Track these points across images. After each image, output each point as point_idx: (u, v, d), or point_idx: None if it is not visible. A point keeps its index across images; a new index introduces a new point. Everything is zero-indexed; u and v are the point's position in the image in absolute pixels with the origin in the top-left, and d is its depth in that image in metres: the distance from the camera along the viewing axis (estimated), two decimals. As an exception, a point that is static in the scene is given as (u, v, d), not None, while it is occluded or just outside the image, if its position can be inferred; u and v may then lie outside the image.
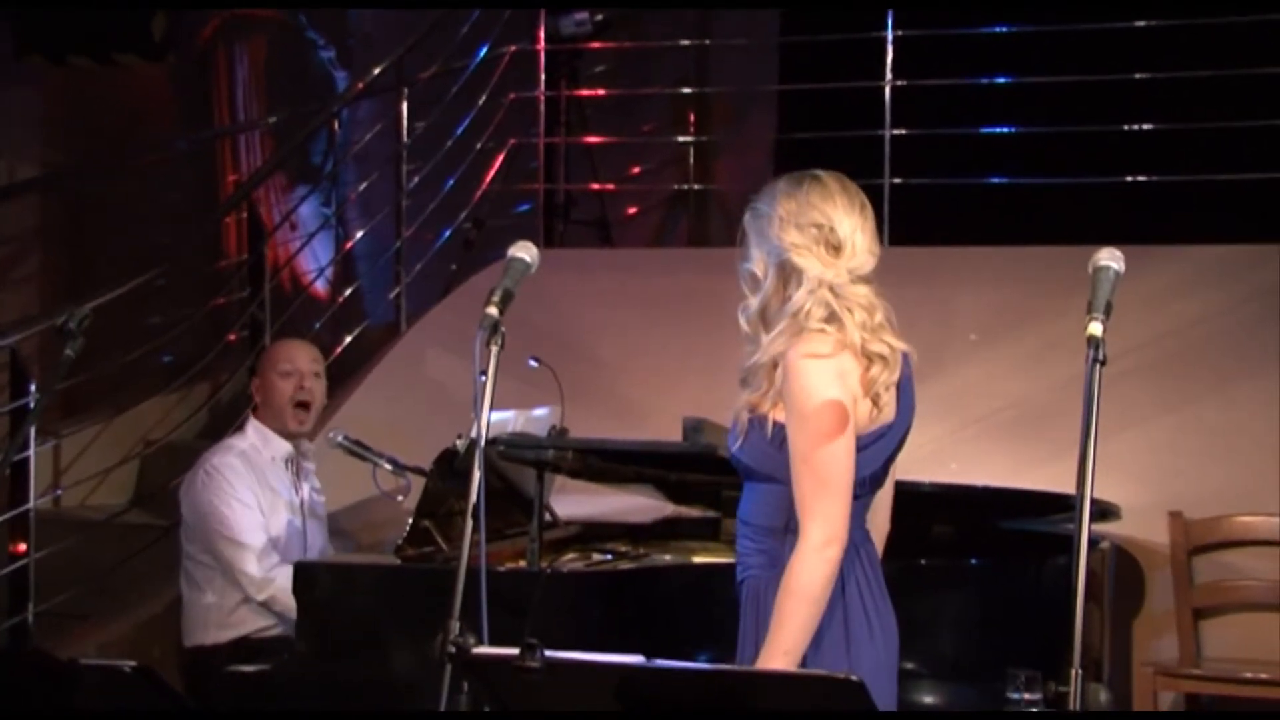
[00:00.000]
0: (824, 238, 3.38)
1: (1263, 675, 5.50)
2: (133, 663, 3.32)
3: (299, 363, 5.40)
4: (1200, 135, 6.50)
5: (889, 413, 3.40)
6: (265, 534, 5.17)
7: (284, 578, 5.07)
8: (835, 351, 3.32)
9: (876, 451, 3.40)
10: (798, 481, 3.31)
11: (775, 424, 3.36)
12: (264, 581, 5.11)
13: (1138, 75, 6.67)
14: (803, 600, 3.28)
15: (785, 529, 3.38)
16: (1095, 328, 3.01)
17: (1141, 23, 6.68)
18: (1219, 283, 6.16)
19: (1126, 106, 6.73)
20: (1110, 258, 3.14)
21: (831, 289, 3.35)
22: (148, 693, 3.29)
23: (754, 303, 3.46)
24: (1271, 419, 5.79)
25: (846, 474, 3.31)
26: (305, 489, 5.40)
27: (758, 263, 3.46)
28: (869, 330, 3.35)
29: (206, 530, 5.19)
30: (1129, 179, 6.58)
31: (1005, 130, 6.90)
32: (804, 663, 3.30)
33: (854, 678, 2.69)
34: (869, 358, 3.35)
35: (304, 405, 5.37)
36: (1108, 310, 3.04)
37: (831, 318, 3.34)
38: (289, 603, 5.05)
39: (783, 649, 3.26)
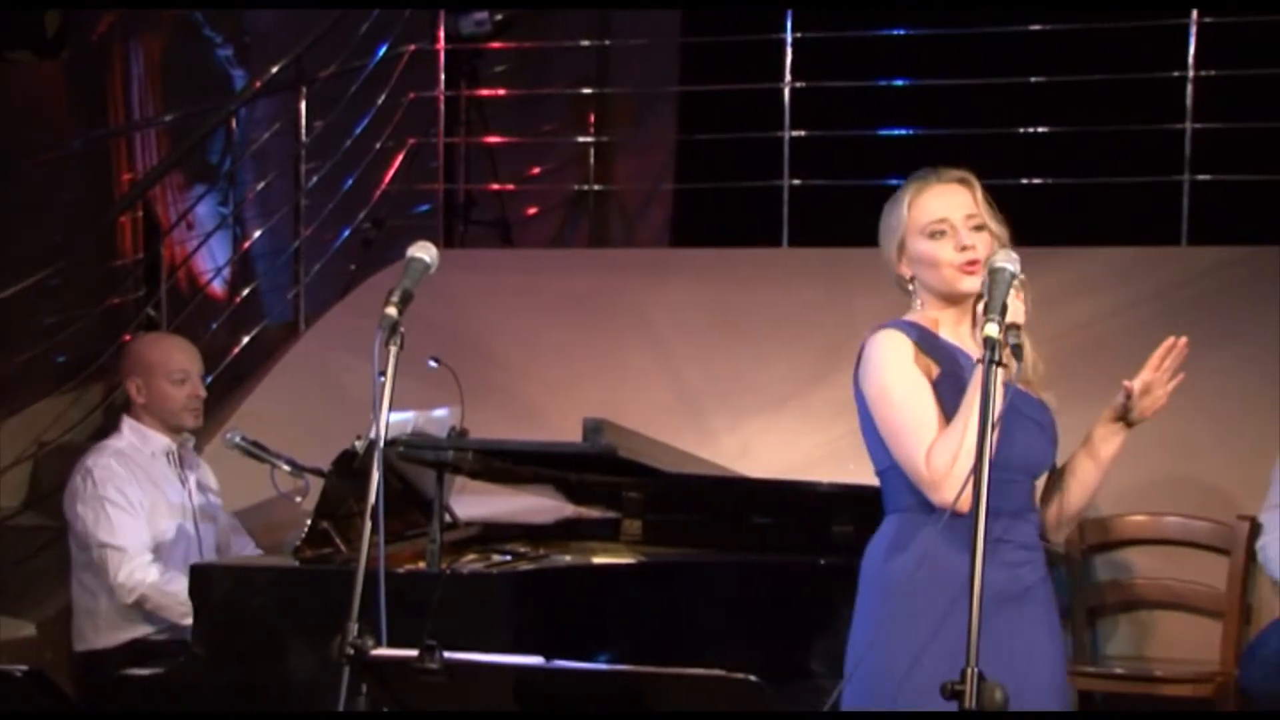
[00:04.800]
0: None
1: (1156, 672, 5.58)
2: (24, 667, 3.29)
3: (191, 368, 5.40)
4: (1096, 139, 6.58)
5: None
6: (139, 535, 5.12)
7: (153, 576, 5.05)
8: None
9: None
10: None
11: None
12: (131, 586, 5.06)
13: (1033, 79, 6.74)
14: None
15: None
16: (991, 329, 3.03)
17: (1036, 26, 6.76)
18: (1110, 286, 6.22)
19: (1023, 109, 6.79)
20: (1006, 259, 3.18)
21: None
22: (40, 697, 3.26)
23: None
24: (1161, 420, 5.84)
25: None
26: (191, 481, 5.36)
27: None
28: None
29: (85, 535, 5.16)
30: (1024, 181, 6.64)
31: (903, 132, 6.95)
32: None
33: (752, 678, 2.70)
34: None
35: (196, 404, 5.39)
36: (1003, 312, 3.07)
37: None
38: (161, 601, 5.04)
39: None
